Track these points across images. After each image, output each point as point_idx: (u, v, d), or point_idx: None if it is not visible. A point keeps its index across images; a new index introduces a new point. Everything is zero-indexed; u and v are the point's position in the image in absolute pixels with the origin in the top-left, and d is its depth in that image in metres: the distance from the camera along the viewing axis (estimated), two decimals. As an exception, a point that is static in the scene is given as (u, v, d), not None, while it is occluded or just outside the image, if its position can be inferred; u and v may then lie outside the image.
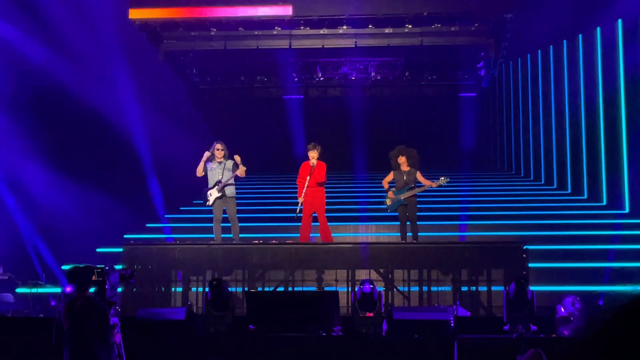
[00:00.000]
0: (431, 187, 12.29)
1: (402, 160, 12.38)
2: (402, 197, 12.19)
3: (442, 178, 12.24)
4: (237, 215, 12.22)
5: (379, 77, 16.22)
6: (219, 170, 12.20)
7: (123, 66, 15.12)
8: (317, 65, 16.01)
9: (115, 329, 6.82)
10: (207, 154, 12.23)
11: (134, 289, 11.18)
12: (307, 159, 12.48)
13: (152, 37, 13.89)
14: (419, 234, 12.18)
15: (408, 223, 12.28)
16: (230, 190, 12.17)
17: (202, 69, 16.32)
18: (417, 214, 12.32)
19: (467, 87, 16.60)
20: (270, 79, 16.42)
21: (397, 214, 12.49)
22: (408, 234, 12.16)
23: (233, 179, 12.17)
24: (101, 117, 14.90)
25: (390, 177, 12.56)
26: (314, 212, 12.18)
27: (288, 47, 13.59)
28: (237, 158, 12.10)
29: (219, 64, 16.24)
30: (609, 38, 15.03)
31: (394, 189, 12.41)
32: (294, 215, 12.09)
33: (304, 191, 12.06)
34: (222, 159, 12.25)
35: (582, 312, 9.22)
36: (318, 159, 12.12)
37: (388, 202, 12.39)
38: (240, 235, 12.30)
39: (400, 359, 8.83)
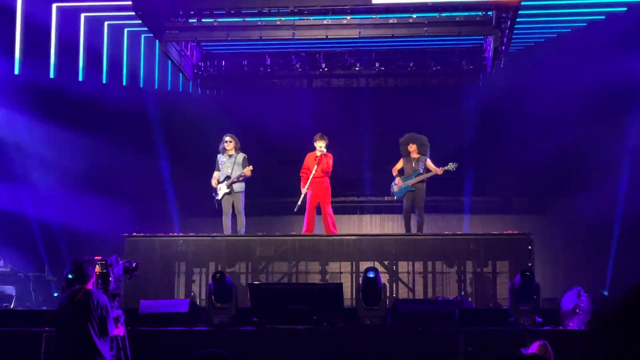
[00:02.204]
0: (438, 174, 12.25)
1: (412, 148, 12.42)
2: (410, 183, 12.21)
3: (450, 164, 12.25)
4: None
5: (382, 68, 16.19)
6: (229, 164, 12.25)
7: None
8: (320, 55, 15.99)
9: (120, 321, 6.84)
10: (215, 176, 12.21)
11: (137, 281, 11.18)
12: (309, 151, 12.48)
13: (154, 29, 13.86)
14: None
15: (414, 214, 12.28)
16: (238, 187, 12.22)
17: (205, 60, 16.31)
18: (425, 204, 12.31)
19: (472, 77, 16.52)
20: (273, 70, 16.38)
21: (403, 203, 12.46)
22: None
23: (240, 177, 12.20)
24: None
25: (399, 164, 12.58)
26: (318, 204, 12.19)
27: (291, 37, 13.55)
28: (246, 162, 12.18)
29: (221, 55, 16.24)
30: (619, 27, 14.93)
31: (402, 176, 12.45)
32: (296, 206, 12.10)
33: (308, 182, 12.06)
34: (232, 152, 12.30)
35: (588, 303, 9.22)
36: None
37: (395, 188, 12.48)
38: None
39: (405, 351, 8.85)
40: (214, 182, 12.32)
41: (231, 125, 14.21)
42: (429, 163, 12.34)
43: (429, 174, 12.22)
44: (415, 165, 12.34)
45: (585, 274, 13.23)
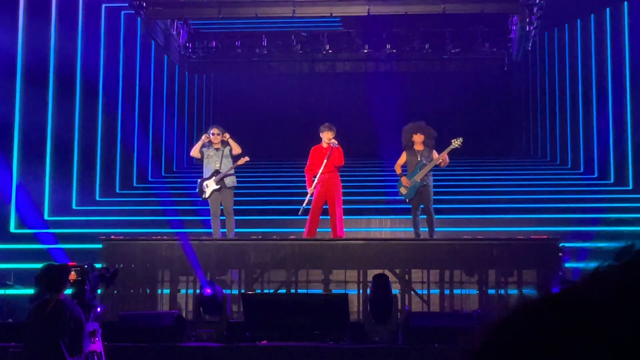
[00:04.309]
0: (445, 159, 12.03)
1: (418, 138, 12.08)
2: (418, 178, 11.96)
3: (454, 141, 12.06)
4: (234, 207, 12.25)
5: (394, 51, 16.16)
6: (216, 158, 12.18)
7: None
8: (324, 36, 15.96)
9: (96, 335, 6.80)
10: (205, 137, 12.26)
11: (115, 291, 11.19)
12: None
13: (135, 5, 13.84)
14: (436, 229, 12.11)
15: (423, 217, 12.18)
16: (230, 180, 12.17)
17: (193, 40, 16.30)
18: (434, 205, 12.21)
19: (496, 61, 16.51)
20: (271, 52, 16.35)
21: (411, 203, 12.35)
22: (423, 229, 12.09)
23: (234, 168, 12.18)
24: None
25: (402, 159, 12.26)
26: (325, 204, 12.11)
27: (291, 15, 13.52)
28: (231, 141, 12.11)
29: (212, 35, 16.22)
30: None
31: (406, 173, 12.19)
32: (300, 207, 12.02)
33: (317, 178, 11.92)
34: (219, 145, 12.24)
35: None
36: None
37: (403, 190, 12.11)
38: (236, 230, 12.31)
39: (419, 372, 8.83)
40: (193, 151, 12.37)
41: (221, 113, 14.19)
42: (435, 153, 12.12)
43: (433, 163, 11.97)
44: (420, 158, 12.09)
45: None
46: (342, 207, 12.23)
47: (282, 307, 9.63)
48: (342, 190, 12.41)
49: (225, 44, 16.25)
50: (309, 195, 11.98)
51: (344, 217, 12.42)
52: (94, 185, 17.02)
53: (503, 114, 19.00)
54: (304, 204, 11.95)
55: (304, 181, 12.31)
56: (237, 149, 12.18)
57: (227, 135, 12.24)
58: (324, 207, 12.14)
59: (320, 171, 11.89)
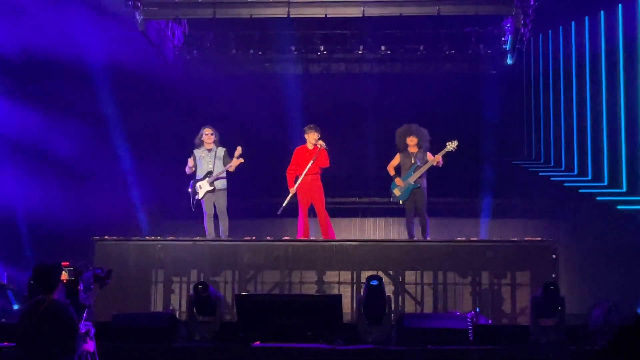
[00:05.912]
0: (439, 162, 12.11)
1: (412, 141, 12.22)
2: (412, 180, 12.06)
3: (449, 144, 12.14)
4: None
5: (389, 52, 16.18)
6: (209, 159, 12.22)
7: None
8: (318, 37, 15.96)
9: (89, 335, 6.81)
10: (190, 161, 12.27)
11: (108, 291, 11.17)
12: (298, 144, 12.47)
13: (129, 5, 13.85)
14: (429, 230, 12.16)
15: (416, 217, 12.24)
16: (221, 183, 12.21)
17: (187, 40, 16.28)
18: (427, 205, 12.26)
19: (491, 63, 16.53)
20: (265, 52, 16.36)
21: (405, 206, 12.40)
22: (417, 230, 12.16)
23: (225, 172, 12.21)
24: None
25: (396, 160, 12.37)
26: (311, 206, 12.18)
27: (286, 16, 13.53)
28: (238, 150, 12.14)
29: (205, 35, 16.20)
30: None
31: (400, 175, 12.27)
32: (279, 210, 12.09)
33: (300, 179, 12.03)
34: (212, 146, 12.28)
35: (617, 320, 9.22)
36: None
37: (397, 192, 12.22)
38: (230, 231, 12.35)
39: (412, 373, 8.86)
40: (188, 170, 12.35)
41: (215, 114, 14.20)
42: (429, 155, 12.22)
43: (427, 165, 12.06)
44: (414, 160, 12.18)
45: (618, 287, 13.24)
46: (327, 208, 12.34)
47: (275, 308, 9.65)
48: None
49: (219, 44, 16.25)
50: (290, 194, 12.07)
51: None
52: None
53: (497, 116, 18.97)
54: (284, 204, 12.03)
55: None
56: (233, 168, 12.17)
57: (241, 161, 12.23)
58: (309, 209, 12.22)
59: (304, 172, 11.98)
